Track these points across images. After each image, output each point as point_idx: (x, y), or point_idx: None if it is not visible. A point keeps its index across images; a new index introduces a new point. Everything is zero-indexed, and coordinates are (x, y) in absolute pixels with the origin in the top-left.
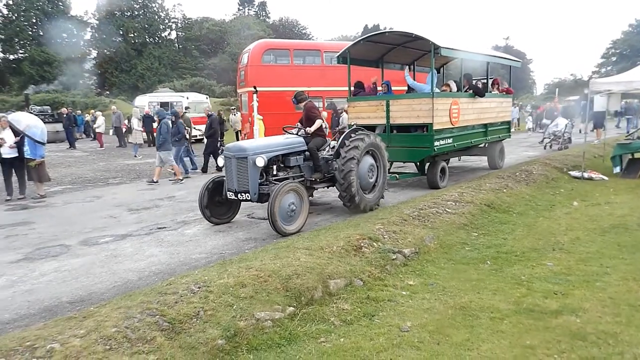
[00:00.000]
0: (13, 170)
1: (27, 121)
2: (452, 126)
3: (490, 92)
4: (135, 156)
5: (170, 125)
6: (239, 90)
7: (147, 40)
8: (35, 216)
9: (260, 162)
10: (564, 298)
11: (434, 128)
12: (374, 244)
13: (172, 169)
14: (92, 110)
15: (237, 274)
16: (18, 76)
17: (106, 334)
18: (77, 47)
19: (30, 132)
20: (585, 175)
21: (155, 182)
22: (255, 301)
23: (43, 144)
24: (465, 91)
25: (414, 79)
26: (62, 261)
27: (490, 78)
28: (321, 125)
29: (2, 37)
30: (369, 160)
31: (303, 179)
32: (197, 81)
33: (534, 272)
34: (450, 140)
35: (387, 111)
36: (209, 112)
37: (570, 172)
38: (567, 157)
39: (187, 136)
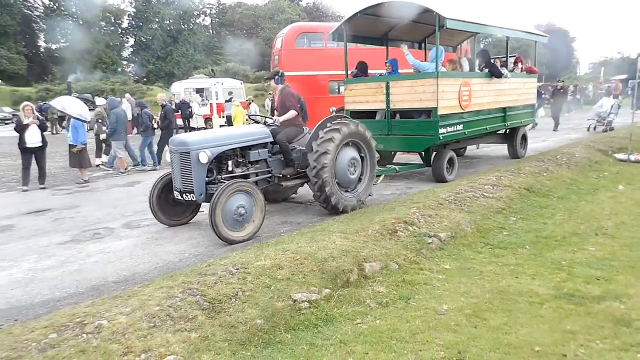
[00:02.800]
0: (34, 160)
1: (77, 107)
2: (462, 110)
3: (512, 71)
4: None
5: (123, 115)
6: None
7: (182, 26)
8: (80, 200)
9: (204, 157)
10: (607, 284)
11: (439, 113)
12: (410, 227)
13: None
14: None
15: (274, 256)
16: (60, 65)
17: (150, 312)
18: (115, 36)
19: (83, 118)
20: (632, 158)
21: (123, 173)
22: (292, 283)
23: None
24: (481, 70)
25: (426, 60)
26: (107, 243)
27: (512, 56)
28: (296, 116)
29: (45, 27)
30: (350, 153)
31: (270, 175)
32: (232, 67)
33: (575, 257)
34: (459, 127)
35: (387, 94)
36: (164, 102)
37: (615, 155)
38: (612, 140)
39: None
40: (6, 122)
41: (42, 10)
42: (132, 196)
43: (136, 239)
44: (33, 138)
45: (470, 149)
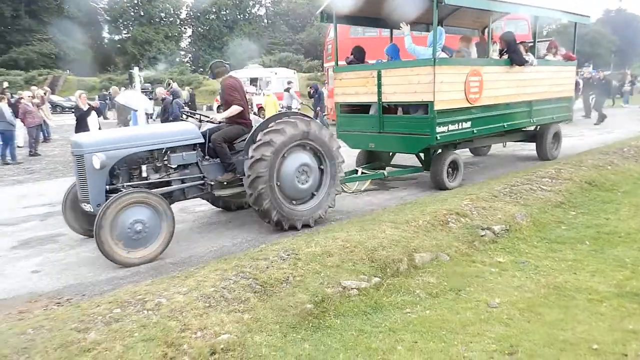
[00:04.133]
0: None
1: (139, 101)
2: (470, 104)
3: (543, 58)
4: None
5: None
6: (325, 65)
7: (238, 16)
8: None
9: (97, 162)
10: None
11: (436, 108)
12: (462, 219)
13: None
14: (188, 87)
15: (324, 243)
16: (123, 55)
17: (206, 293)
18: (174, 26)
19: (146, 110)
20: None
21: None
22: (342, 270)
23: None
24: (501, 56)
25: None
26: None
27: (544, 40)
28: (241, 112)
29: (108, 19)
30: (300, 158)
31: (203, 182)
32: (285, 56)
33: None
34: (467, 124)
35: (379, 85)
36: (163, 96)
37: None
38: None
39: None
40: (73, 110)
41: (106, 3)
42: None
43: (192, 223)
44: (92, 125)
45: (496, 147)
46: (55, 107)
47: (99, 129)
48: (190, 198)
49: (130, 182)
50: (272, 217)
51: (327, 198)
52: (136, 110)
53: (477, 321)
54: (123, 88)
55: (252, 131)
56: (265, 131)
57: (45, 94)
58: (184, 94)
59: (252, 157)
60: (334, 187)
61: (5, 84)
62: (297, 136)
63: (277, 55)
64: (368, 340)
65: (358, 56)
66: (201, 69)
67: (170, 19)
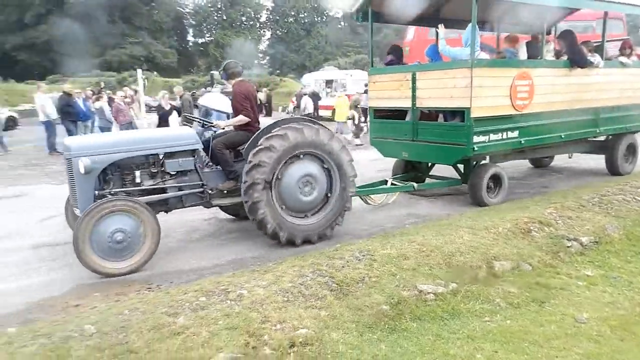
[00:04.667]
0: None
1: (219, 102)
2: (517, 112)
3: (615, 59)
4: None
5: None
6: None
7: (316, 19)
8: None
9: (81, 166)
10: None
11: (473, 115)
12: (545, 228)
13: None
14: (265, 89)
15: (400, 246)
16: (205, 58)
17: (284, 287)
18: (253, 30)
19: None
20: None
21: None
22: (418, 274)
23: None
24: (557, 57)
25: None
26: (241, 223)
27: (616, 40)
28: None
29: (193, 23)
30: (305, 167)
31: (202, 190)
32: (361, 58)
33: None
34: (513, 134)
35: (413, 89)
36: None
37: None
38: None
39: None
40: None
41: (191, 7)
42: None
43: None
44: (172, 123)
45: (560, 158)
46: (146, 107)
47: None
48: (189, 206)
49: (123, 187)
50: (268, 229)
51: (334, 214)
52: (218, 111)
53: (562, 335)
54: (203, 89)
55: (254, 136)
56: (267, 136)
57: (135, 93)
58: (262, 95)
59: (250, 162)
60: (342, 203)
61: (102, 84)
62: (302, 144)
63: (353, 57)
64: (445, 346)
65: (396, 55)
66: (278, 71)
67: (251, 22)
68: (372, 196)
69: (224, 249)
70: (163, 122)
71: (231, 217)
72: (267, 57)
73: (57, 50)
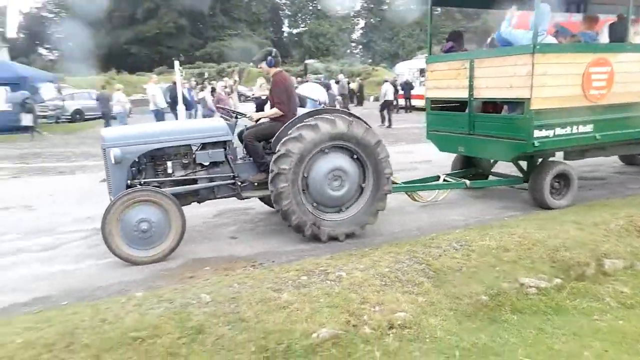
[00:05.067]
0: None
1: (315, 92)
2: (591, 102)
3: None
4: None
5: None
6: None
7: (411, 6)
8: None
9: (111, 156)
10: None
11: (534, 107)
12: None
13: None
14: (358, 78)
15: (499, 238)
16: (299, 48)
17: (381, 272)
18: (347, 19)
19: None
20: None
21: None
22: (519, 266)
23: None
24: None
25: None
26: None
27: None
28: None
29: (289, 13)
30: (336, 161)
31: (233, 182)
32: None
33: None
34: (586, 128)
35: (470, 78)
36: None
37: None
38: None
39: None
40: (254, 98)
41: None
42: None
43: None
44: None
45: None
46: (240, 97)
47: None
48: (221, 197)
49: (155, 178)
50: (292, 221)
51: (365, 212)
52: (316, 101)
53: None
54: (299, 79)
55: (284, 126)
56: (297, 126)
57: (234, 83)
58: (354, 85)
59: (278, 151)
60: (376, 201)
61: (206, 74)
62: (333, 136)
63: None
64: (549, 341)
65: (457, 43)
66: (370, 60)
67: (345, 11)
68: (419, 193)
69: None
70: (259, 110)
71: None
72: (360, 46)
73: (163, 43)
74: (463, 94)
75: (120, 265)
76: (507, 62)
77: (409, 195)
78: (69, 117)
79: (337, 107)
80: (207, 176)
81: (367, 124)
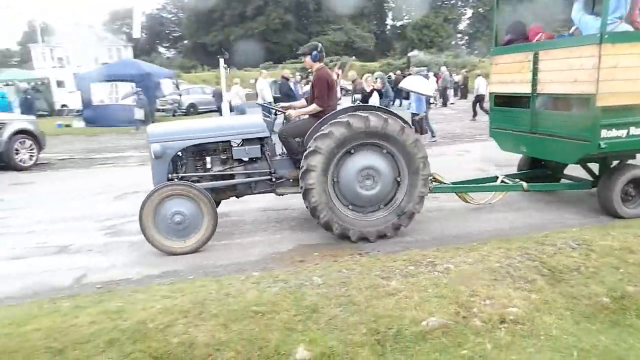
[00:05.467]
0: None
1: (421, 85)
2: None
3: None
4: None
5: None
6: None
7: None
8: None
9: (152, 151)
10: None
11: (600, 104)
12: None
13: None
14: (463, 70)
15: (623, 239)
16: (402, 40)
17: (490, 267)
18: (452, 9)
19: (425, 93)
20: None
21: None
22: None
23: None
24: None
25: None
26: (443, 203)
27: None
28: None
29: (393, 5)
30: (368, 159)
31: (270, 177)
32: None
33: None
34: None
35: (534, 71)
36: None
37: None
38: None
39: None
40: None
41: None
42: (462, 163)
43: (468, 204)
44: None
45: None
46: (341, 90)
47: None
48: (258, 193)
49: (195, 172)
50: (321, 218)
51: (398, 215)
52: (419, 94)
53: None
54: (398, 71)
55: (317, 123)
56: (330, 122)
57: (337, 76)
58: (458, 77)
59: (308, 148)
60: (411, 204)
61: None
62: (365, 133)
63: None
64: None
65: (517, 32)
66: (476, 51)
67: (452, 2)
68: (470, 194)
69: (427, 225)
70: (364, 102)
71: None
72: (466, 37)
73: (269, 39)
74: (526, 89)
75: (236, 248)
76: (573, 53)
77: (459, 196)
78: (184, 110)
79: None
80: (245, 172)
81: (405, 122)
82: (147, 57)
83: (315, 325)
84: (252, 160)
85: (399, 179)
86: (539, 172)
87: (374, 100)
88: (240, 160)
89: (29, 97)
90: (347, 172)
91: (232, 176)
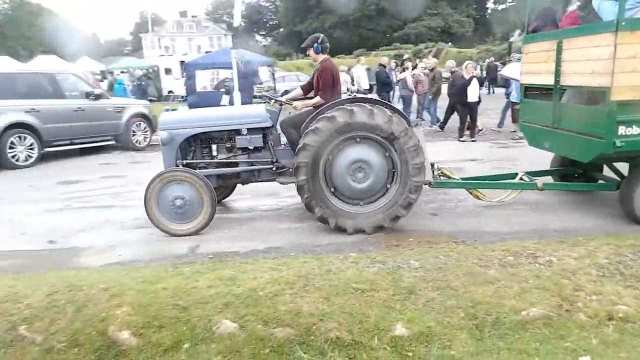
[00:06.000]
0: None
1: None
2: None
3: None
4: None
5: None
6: None
7: None
8: (515, 153)
9: (159, 139)
10: None
11: (616, 97)
12: None
13: None
14: None
15: None
16: (503, 25)
17: (598, 262)
18: None
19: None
20: None
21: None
22: None
23: None
24: None
25: None
26: (542, 196)
27: None
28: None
29: None
30: (358, 152)
31: (272, 166)
32: None
33: None
34: None
35: (557, 61)
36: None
37: None
38: None
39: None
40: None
41: None
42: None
43: (566, 196)
44: (473, 94)
45: None
46: (435, 79)
47: (479, 97)
48: (262, 181)
49: (202, 159)
50: (316, 212)
51: (393, 205)
52: (518, 81)
53: None
54: (491, 58)
55: (310, 117)
56: (323, 115)
57: (435, 64)
58: None
59: (299, 144)
60: (407, 193)
61: (406, 55)
62: (352, 126)
63: None
64: None
65: (546, 19)
66: None
67: None
68: (481, 190)
69: (525, 218)
70: (462, 91)
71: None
72: None
73: (364, 26)
74: (550, 81)
75: (333, 229)
76: (591, 42)
77: (470, 192)
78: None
79: None
80: (248, 160)
81: (394, 112)
82: (244, 45)
83: (413, 305)
84: (255, 149)
85: (393, 170)
86: (571, 170)
87: (473, 88)
88: (245, 149)
89: (142, 83)
90: (339, 166)
91: (235, 164)
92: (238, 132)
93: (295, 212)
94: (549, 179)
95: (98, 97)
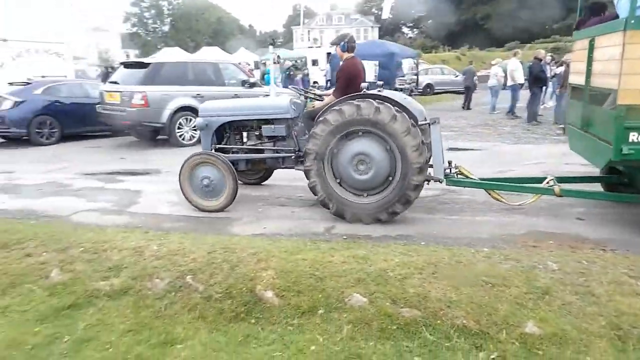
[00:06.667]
0: None
1: None
2: None
3: None
4: None
5: None
6: None
7: None
8: None
9: (196, 124)
10: None
11: (623, 101)
12: None
13: None
14: None
15: None
16: None
17: None
18: None
19: None
20: None
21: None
22: None
23: None
24: None
25: None
26: None
27: None
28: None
29: None
30: (361, 146)
31: (293, 154)
32: None
33: None
34: None
35: (589, 60)
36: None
37: None
38: None
39: None
40: None
41: None
42: None
43: None
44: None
45: None
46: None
47: None
48: (286, 168)
49: (234, 145)
50: (318, 197)
51: (391, 199)
52: None
53: None
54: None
55: (322, 110)
56: (333, 108)
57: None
58: None
59: (310, 133)
60: (403, 191)
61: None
62: (357, 121)
63: None
64: None
65: (593, 11)
66: None
67: None
68: (500, 193)
69: None
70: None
71: None
72: None
73: (519, 17)
74: (582, 80)
75: (466, 224)
76: (610, 41)
77: (489, 194)
78: (420, 90)
79: None
80: (273, 148)
81: (400, 110)
82: (390, 37)
83: (547, 306)
84: (281, 138)
85: (394, 173)
86: (615, 179)
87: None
88: (271, 137)
89: (290, 73)
90: (343, 157)
91: (262, 151)
92: (266, 121)
93: (429, 205)
94: (585, 186)
95: (253, 85)
